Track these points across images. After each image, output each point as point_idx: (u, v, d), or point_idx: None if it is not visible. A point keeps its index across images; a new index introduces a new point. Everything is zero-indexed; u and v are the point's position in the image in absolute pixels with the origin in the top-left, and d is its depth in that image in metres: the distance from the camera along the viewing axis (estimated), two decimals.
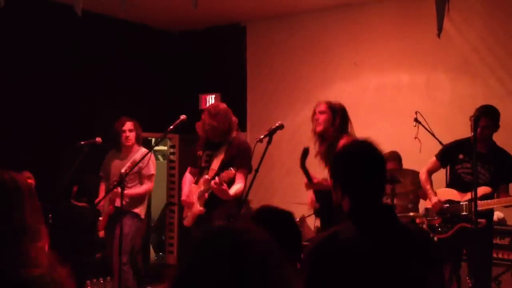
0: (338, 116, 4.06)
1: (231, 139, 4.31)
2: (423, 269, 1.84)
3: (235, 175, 4.06)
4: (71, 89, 6.50)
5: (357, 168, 1.96)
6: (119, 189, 4.42)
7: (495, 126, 4.08)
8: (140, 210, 5.09)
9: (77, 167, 4.61)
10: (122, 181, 4.28)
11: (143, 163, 4.85)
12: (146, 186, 5.08)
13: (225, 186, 4.00)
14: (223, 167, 4.17)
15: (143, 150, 5.12)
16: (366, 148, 2.00)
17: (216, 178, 4.01)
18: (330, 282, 1.69)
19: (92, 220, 5.45)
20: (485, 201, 4.00)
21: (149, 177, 5.09)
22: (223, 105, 4.49)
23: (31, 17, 6.13)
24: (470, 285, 3.01)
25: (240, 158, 4.20)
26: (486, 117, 4.00)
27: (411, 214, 5.02)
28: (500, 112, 4.09)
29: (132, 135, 5.08)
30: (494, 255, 4.39)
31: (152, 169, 5.09)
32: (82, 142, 4.73)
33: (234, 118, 4.42)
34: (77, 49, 6.56)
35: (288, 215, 2.11)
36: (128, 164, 4.77)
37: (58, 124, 6.31)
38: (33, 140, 6.00)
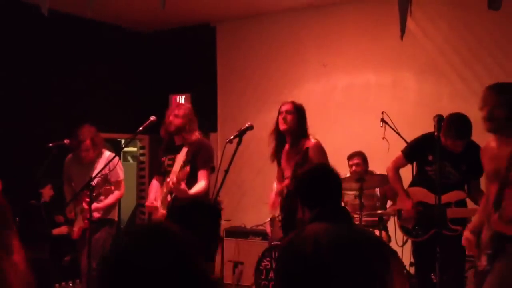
0: (303, 117, 4.23)
1: (191, 140, 4.32)
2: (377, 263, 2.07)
3: (193, 173, 4.11)
4: (39, 90, 6.41)
5: (317, 190, 2.50)
6: (100, 205, 4.77)
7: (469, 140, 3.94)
8: (112, 215, 5.06)
9: (45, 168, 4.55)
10: (92, 195, 4.31)
11: (109, 169, 4.71)
12: (116, 195, 4.97)
13: (183, 185, 4.01)
14: (184, 167, 4.17)
15: (107, 154, 4.95)
16: (325, 171, 2.60)
17: (174, 177, 4.03)
18: (302, 272, 1.81)
19: (38, 215, 5.42)
20: (461, 209, 3.98)
21: (118, 183, 4.97)
22: (187, 105, 4.65)
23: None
24: (435, 280, 3.08)
25: (201, 157, 4.24)
26: (462, 140, 3.89)
27: (379, 212, 5.11)
28: (471, 123, 3.90)
29: (89, 153, 4.90)
30: None
31: (120, 174, 4.97)
32: (51, 144, 4.67)
33: (195, 122, 4.47)
34: (44, 49, 6.47)
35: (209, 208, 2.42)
36: (98, 177, 4.65)
37: (26, 125, 6.20)
38: (1, 141, 5.90)
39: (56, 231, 5.58)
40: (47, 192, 5.63)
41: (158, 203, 4.28)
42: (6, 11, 6.08)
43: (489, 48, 5.76)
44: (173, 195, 4.17)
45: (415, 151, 4.21)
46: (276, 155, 4.32)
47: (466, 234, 3.16)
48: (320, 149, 4.09)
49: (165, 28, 7.61)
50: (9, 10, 6.11)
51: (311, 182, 2.51)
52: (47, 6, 3.38)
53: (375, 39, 6.31)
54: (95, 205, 4.73)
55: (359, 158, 5.37)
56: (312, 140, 4.12)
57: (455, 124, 3.84)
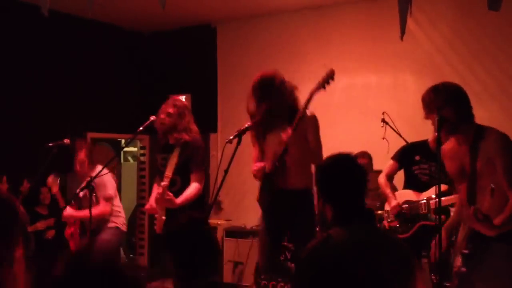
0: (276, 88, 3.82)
1: (183, 141, 4.15)
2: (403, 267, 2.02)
3: (187, 175, 4.08)
4: (40, 90, 6.41)
5: (340, 182, 2.14)
6: (74, 213, 4.66)
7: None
8: (106, 225, 4.77)
9: (45, 168, 4.55)
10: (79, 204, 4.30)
11: (97, 184, 4.47)
12: (99, 208, 4.64)
13: (169, 195, 3.98)
14: (177, 172, 4.11)
15: (98, 169, 4.57)
16: (349, 162, 2.20)
17: (160, 188, 3.99)
18: (326, 281, 1.81)
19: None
20: (444, 197, 4.11)
21: (106, 199, 4.67)
22: (182, 102, 4.40)
23: None
24: (435, 281, 3.09)
25: (194, 159, 4.13)
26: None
27: (379, 212, 5.11)
28: None
29: (84, 164, 4.79)
30: None
31: (109, 189, 4.68)
32: (51, 144, 4.67)
33: (191, 119, 4.29)
34: (45, 50, 6.48)
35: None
36: (83, 186, 4.52)
37: (26, 125, 6.21)
38: (1, 142, 5.91)
39: (31, 228, 5.58)
40: (25, 187, 5.59)
41: (156, 207, 4.20)
42: (6, 11, 6.09)
43: (489, 49, 5.77)
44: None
45: (405, 154, 4.49)
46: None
47: (442, 231, 3.15)
48: (315, 122, 3.82)
49: (166, 28, 7.62)
50: (9, 11, 6.11)
51: (334, 177, 2.18)
52: (47, 6, 3.38)
53: (375, 40, 6.31)
54: (69, 210, 4.65)
55: (366, 158, 5.40)
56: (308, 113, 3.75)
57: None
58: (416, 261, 2.02)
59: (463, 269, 2.86)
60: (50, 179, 4.88)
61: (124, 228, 4.90)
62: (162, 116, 4.19)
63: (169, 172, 4.11)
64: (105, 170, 4.42)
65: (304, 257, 1.90)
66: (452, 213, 3.37)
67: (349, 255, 1.82)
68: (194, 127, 4.28)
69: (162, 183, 4.04)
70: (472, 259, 2.86)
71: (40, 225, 5.70)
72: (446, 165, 3.10)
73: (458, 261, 2.89)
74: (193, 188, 4.12)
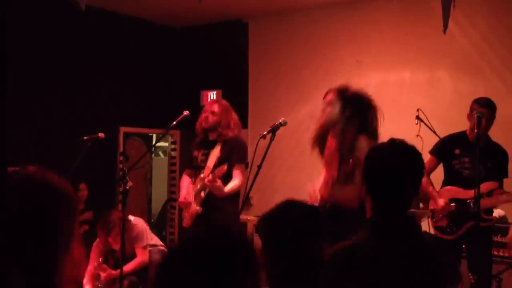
0: (350, 107, 3.48)
1: (227, 137, 4.25)
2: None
3: (227, 169, 4.04)
4: (72, 84, 6.50)
5: (388, 171, 1.83)
6: (114, 272, 4.59)
7: (494, 119, 4.06)
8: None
9: (80, 161, 4.60)
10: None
11: (132, 238, 4.59)
12: (138, 260, 4.72)
13: (219, 182, 3.98)
14: (219, 164, 4.14)
15: (132, 219, 4.72)
16: (406, 151, 1.87)
17: (210, 175, 3.99)
18: None
19: None
20: (492, 198, 4.00)
21: (144, 247, 4.76)
22: (225, 101, 4.50)
23: (33, 11, 6.11)
24: (473, 281, 3.02)
25: (236, 154, 4.18)
26: (489, 110, 3.98)
27: (412, 210, 5.03)
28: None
29: (118, 239, 4.54)
30: (496, 253, 4.39)
31: (144, 238, 4.75)
32: (85, 137, 4.71)
33: (235, 117, 4.38)
34: (77, 44, 6.55)
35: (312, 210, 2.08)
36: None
37: (58, 119, 6.30)
38: (34, 136, 6.00)
39: None
40: None
41: (191, 199, 4.26)
42: (41, 4, 6.17)
43: None
44: (207, 191, 4.15)
45: (444, 147, 4.30)
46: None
47: None
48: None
49: (198, 23, 7.64)
50: (45, 4, 6.19)
51: (384, 172, 1.83)
52: (84, 0, 3.41)
53: (409, 36, 6.20)
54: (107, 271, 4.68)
55: None
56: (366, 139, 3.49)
57: (483, 98, 4.09)
58: (457, 275, 1.88)
59: None
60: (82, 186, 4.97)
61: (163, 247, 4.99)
62: (207, 114, 4.28)
63: (210, 164, 4.17)
64: (136, 220, 4.61)
65: (327, 265, 1.80)
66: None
67: (373, 271, 1.75)
68: (236, 126, 4.36)
69: (217, 169, 4.03)
70: None
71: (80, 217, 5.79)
72: None
73: None
74: (236, 181, 4.16)
